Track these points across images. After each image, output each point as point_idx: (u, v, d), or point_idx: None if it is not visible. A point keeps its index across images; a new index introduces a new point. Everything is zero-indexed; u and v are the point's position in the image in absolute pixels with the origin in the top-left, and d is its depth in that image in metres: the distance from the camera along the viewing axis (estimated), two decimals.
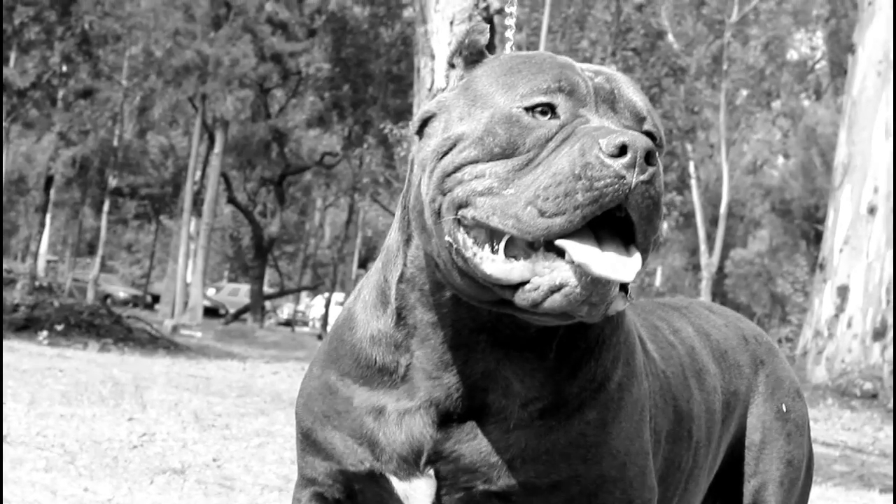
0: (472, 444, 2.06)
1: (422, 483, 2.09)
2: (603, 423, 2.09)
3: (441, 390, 2.07)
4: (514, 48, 2.39)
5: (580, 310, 1.80)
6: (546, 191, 1.79)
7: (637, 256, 1.83)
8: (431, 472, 2.08)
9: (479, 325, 2.04)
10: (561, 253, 1.80)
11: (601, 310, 1.83)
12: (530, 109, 1.92)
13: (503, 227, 1.83)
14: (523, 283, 1.82)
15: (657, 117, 2.05)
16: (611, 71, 2.05)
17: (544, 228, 1.78)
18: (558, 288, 1.79)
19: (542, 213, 1.79)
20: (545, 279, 1.80)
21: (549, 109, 1.92)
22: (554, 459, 2.06)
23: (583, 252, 1.78)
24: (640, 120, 1.99)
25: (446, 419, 2.07)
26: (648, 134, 1.99)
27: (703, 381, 2.60)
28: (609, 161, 1.77)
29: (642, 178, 1.78)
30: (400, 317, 2.11)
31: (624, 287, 1.87)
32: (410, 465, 2.08)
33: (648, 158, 1.79)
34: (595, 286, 1.79)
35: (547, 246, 1.81)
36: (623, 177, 1.77)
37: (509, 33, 2.40)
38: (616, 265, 1.79)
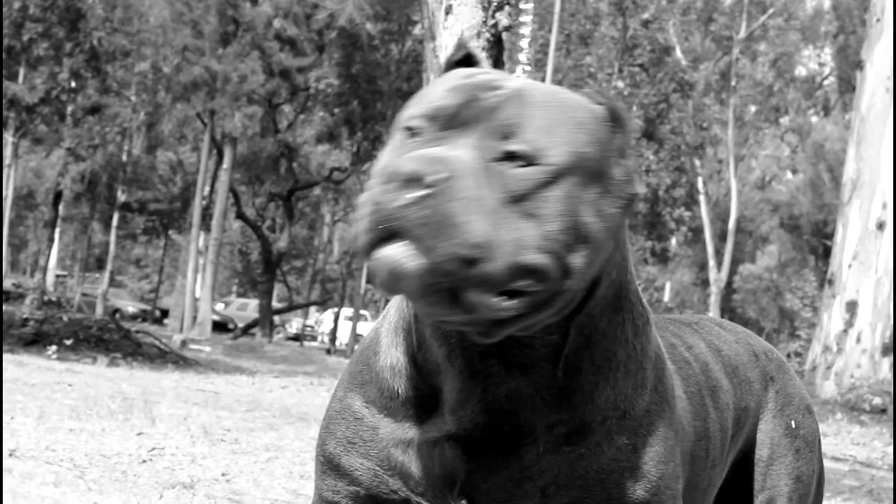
0: (505, 472, 2.05)
1: None
2: (634, 448, 2.08)
3: (467, 420, 2.05)
4: (525, 69, 2.37)
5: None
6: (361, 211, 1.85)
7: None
8: (464, 502, 2.07)
9: (488, 350, 2.02)
10: None
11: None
12: (409, 131, 1.95)
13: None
14: None
15: (547, 132, 1.90)
16: (523, 84, 1.99)
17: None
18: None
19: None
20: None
21: (415, 133, 1.93)
22: (588, 485, 2.05)
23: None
24: (503, 137, 1.88)
25: (476, 448, 2.05)
26: (512, 155, 1.87)
27: (717, 398, 2.59)
28: (378, 187, 1.79)
29: (403, 202, 1.75)
30: (420, 349, 2.11)
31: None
32: (445, 496, 2.08)
33: (415, 181, 1.76)
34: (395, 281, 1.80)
35: None
36: (380, 202, 1.77)
37: (522, 56, 2.38)
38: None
